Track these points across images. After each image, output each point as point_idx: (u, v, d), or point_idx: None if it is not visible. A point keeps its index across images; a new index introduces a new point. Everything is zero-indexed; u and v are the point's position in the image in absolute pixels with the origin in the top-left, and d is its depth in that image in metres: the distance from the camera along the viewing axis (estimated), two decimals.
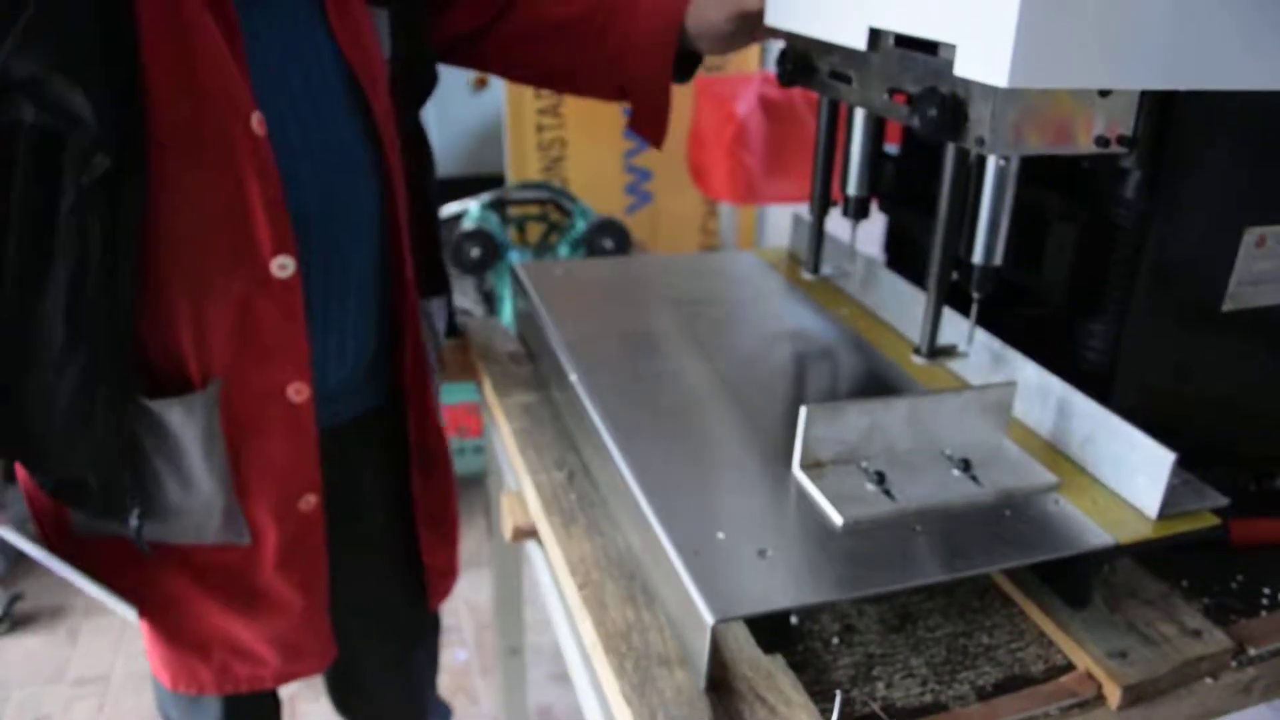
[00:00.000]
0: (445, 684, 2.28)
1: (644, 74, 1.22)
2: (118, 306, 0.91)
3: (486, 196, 3.02)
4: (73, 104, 0.82)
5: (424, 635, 1.52)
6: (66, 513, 1.08)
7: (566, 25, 1.22)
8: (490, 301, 2.95)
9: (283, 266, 0.96)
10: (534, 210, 3.08)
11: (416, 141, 1.19)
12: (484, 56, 1.28)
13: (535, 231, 3.13)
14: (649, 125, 1.27)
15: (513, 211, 3.08)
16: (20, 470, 1.07)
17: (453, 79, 3.87)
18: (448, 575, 1.40)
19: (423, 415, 1.23)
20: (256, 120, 0.92)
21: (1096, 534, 0.79)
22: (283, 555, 1.10)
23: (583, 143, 3.22)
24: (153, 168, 0.88)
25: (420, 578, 1.35)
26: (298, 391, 1.03)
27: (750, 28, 1.17)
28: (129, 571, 1.09)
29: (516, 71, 1.31)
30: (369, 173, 1.05)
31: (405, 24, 1.11)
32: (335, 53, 1.01)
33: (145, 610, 1.13)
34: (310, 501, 1.09)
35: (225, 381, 0.99)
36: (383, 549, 1.32)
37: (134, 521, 1.02)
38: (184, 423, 0.98)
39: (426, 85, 1.21)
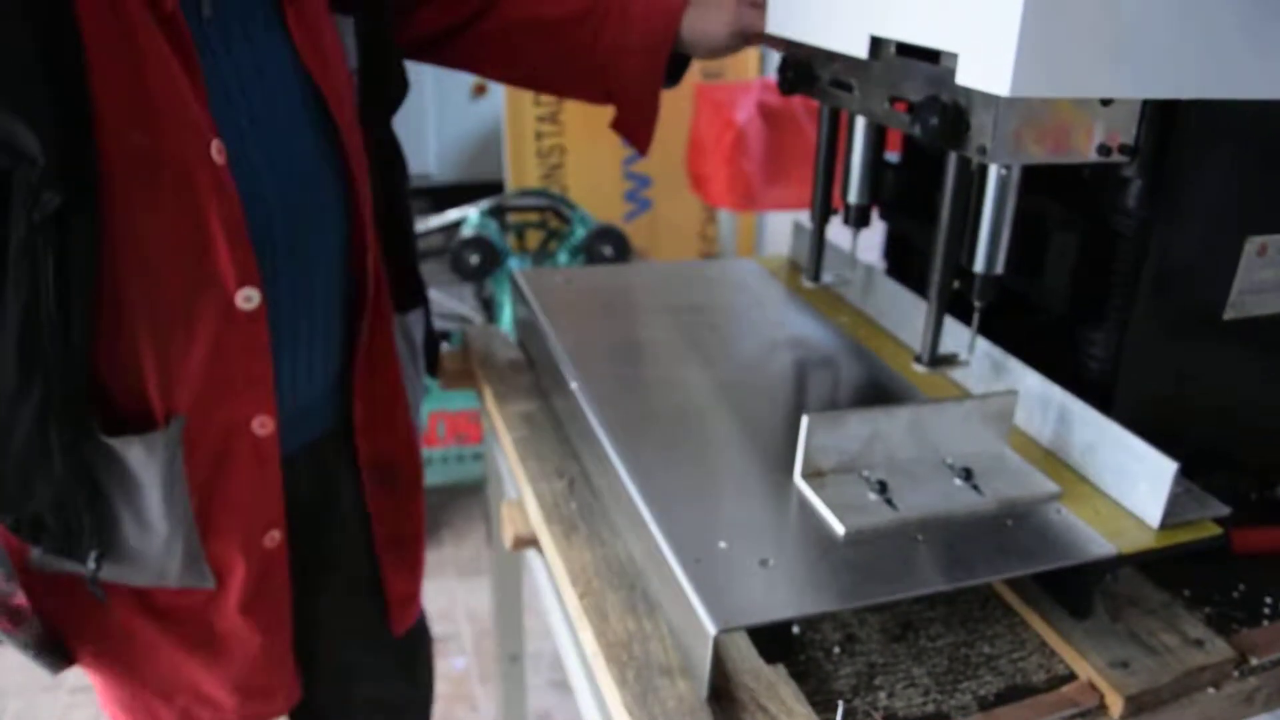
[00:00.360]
0: (444, 691, 2.28)
1: (634, 78, 1.21)
2: (72, 344, 0.86)
3: (486, 203, 3.02)
4: (15, 138, 0.78)
5: (400, 669, 1.41)
6: (26, 548, 1.02)
7: (557, 24, 1.20)
8: (489, 308, 2.95)
9: (248, 299, 0.92)
10: (533, 217, 3.09)
11: (389, 152, 1.16)
12: (458, 54, 1.25)
13: (534, 238, 3.14)
14: (637, 130, 1.26)
15: (512, 218, 3.08)
16: None
17: (452, 86, 3.88)
18: (408, 603, 1.32)
19: (387, 433, 1.17)
20: (216, 148, 0.87)
21: (1098, 543, 0.79)
22: (247, 596, 1.05)
23: (582, 150, 3.23)
24: (106, 201, 0.83)
25: (384, 607, 1.28)
26: (262, 425, 0.99)
27: (746, 39, 1.17)
28: (88, 611, 1.04)
29: (494, 69, 1.28)
30: (333, 192, 1.01)
31: (372, 30, 1.06)
32: (298, 68, 0.96)
33: (103, 652, 1.08)
34: (275, 538, 1.05)
35: (188, 417, 0.94)
36: (346, 577, 1.25)
37: (91, 564, 0.97)
38: (145, 461, 0.94)
39: (397, 93, 1.16)
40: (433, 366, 1.33)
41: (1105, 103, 0.82)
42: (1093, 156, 0.84)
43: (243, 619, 1.06)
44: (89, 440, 0.92)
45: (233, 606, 1.05)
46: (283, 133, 0.95)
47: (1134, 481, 0.83)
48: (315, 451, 1.13)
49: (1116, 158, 0.84)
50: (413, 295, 1.23)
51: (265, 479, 1.02)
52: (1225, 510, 0.83)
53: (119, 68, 0.81)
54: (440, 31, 1.23)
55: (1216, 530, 0.81)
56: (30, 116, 0.77)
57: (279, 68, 0.95)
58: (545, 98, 3.06)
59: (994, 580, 0.81)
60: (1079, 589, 0.80)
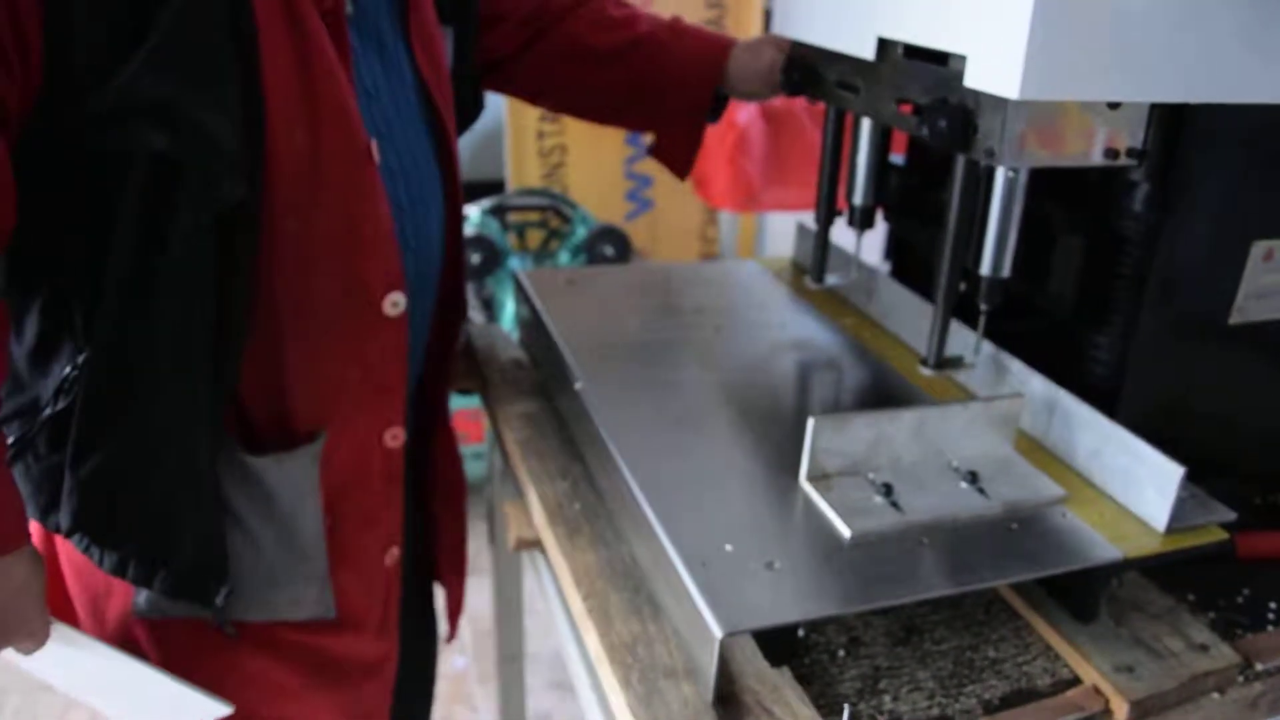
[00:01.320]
0: (444, 691, 2.27)
1: (680, 112, 1.21)
2: (227, 355, 0.82)
3: (487, 202, 3.02)
4: (207, 128, 0.74)
5: (432, 683, 1.43)
6: (116, 593, 0.94)
7: (606, 55, 1.20)
8: (489, 307, 2.95)
9: (395, 304, 0.90)
10: (534, 217, 3.08)
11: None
12: (516, 80, 1.26)
13: (535, 238, 3.13)
14: (677, 160, 1.26)
15: (513, 218, 3.08)
16: (41, 544, 0.93)
17: None
18: (459, 612, 1.32)
19: (450, 442, 1.20)
20: (373, 148, 0.86)
21: (1104, 547, 0.79)
22: (369, 618, 1.01)
23: (583, 149, 3.22)
24: (267, 200, 0.80)
25: (432, 615, 1.28)
26: (394, 436, 0.96)
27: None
28: (202, 658, 0.95)
29: (547, 96, 1.29)
30: (439, 199, 1.01)
31: (465, 43, 1.07)
32: (415, 72, 0.97)
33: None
34: (394, 555, 1.02)
35: (329, 432, 0.90)
36: (407, 588, 1.19)
37: (219, 600, 0.89)
38: (290, 481, 0.89)
39: (472, 110, 1.17)
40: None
41: (1113, 106, 0.82)
42: (1100, 160, 0.84)
43: (363, 643, 1.02)
44: (231, 462, 0.88)
45: (358, 630, 1.01)
46: (408, 137, 0.95)
47: (1140, 486, 0.83)
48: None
49: (1123, 161, 0.85)
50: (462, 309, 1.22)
51: (391, 494, 0.99)
52: (1231, 515, 0.83)
53: (288, 60, 0.79)
54: (506, 56, 1.23)
55: (1222, 535, 0.81)
56: (223, 103, 0.75)
57: (401, 73, 0.95)
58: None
59: (999, 584, 0.81)
60: (1084, 593, 0.80)
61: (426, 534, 1.23)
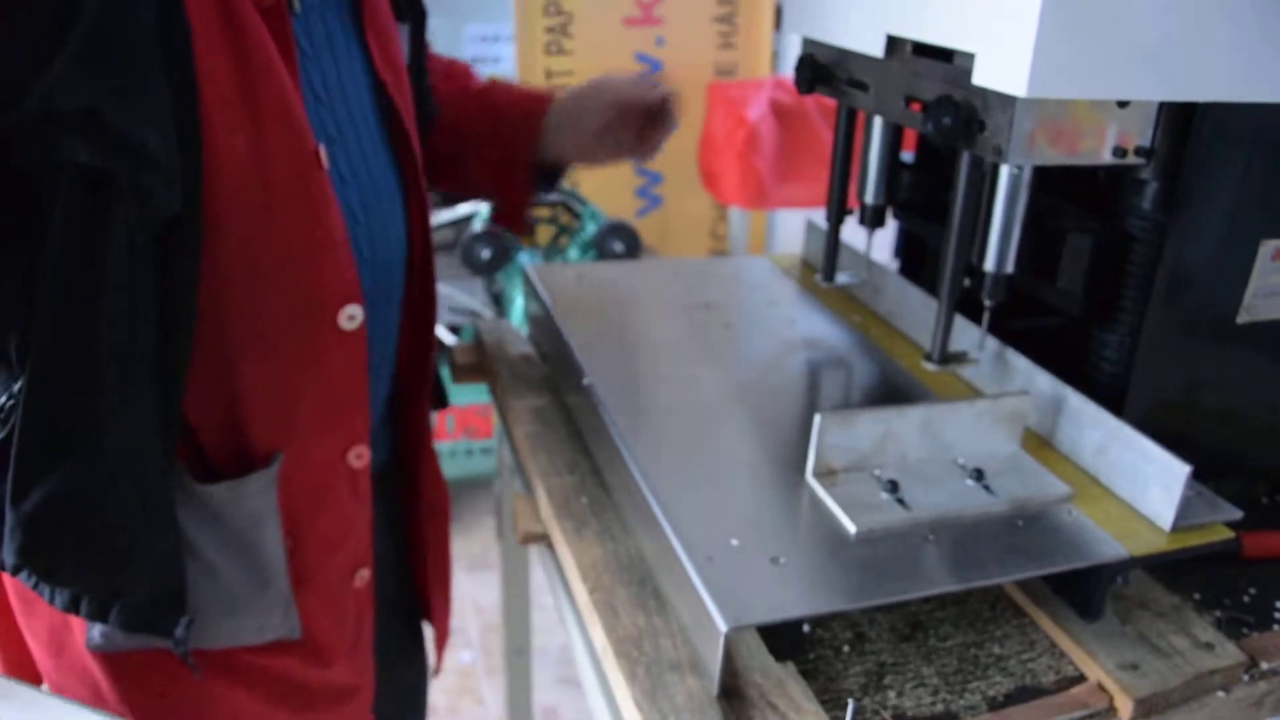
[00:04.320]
0: (450, 685, 2.28)
1: (501, 165, 1.17)
2: (173, 376, 0.77)
3: None
4: (135, 137, 0.69)
5: (423, 703, 1.38)
6: (74, 627, 0.89)
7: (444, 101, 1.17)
8: (499, 303, 2.95)
9: (351, 317, 0.86)
10: (544, 212, 3.09)
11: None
12: None
13: (545, 234, 3.14)
14: (510, 223, 1.23)
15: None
16: None
17: None
18: (447, 636, 1.28)
19: (429, 464, 1.15)
20: (320, 153, 0.81)
21: (1109, 545, 0.79)
22: (339, 641, 0.98)
23: None
24: (208, 212, 0.75)
25: (420, 643, 1.24)
26: (358, 456, 0.92)
27: (619, 140, 1.15)
28: (166, 688, 0.91)
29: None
30: (399, 206, 0.96)
31: (420, 40, 1.03)
32: (370, 73, 0.92)
33: None
34: (364, 577, 0.98)
35: (287, 453, 0.87)
36: (392, 615, 1.17)
37: (180, 631, 0.85)
38: (245, 506, 0.85)
39: (430, 111, 1.11)
40: (438, 400, 1.22)
41: (1122, 104, 0.82)
42: (1108, 158, 0.84)
43: (338, 664, 0.99)
44: (181, 489, 0.83)
45: (327, 654, 0.97)
46: (361, 141, 0.91)
47: (1146, 484, 0.83)
48: (376, 484, 1.04)
49: (1132, 160, 0.84)
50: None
51: (359, 515, 0.96)
52: (1237, 514, 0.83)
53: (225, 61, 0.74)
54: None
55: (1228, 534, 0.81)
56: (153, 109, 0.69)
57: (355, 74, 0.90)
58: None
59: (1004, 581, 0.81)
60: (1090, 591, 0.80)
61: (412, 557, 1.18)
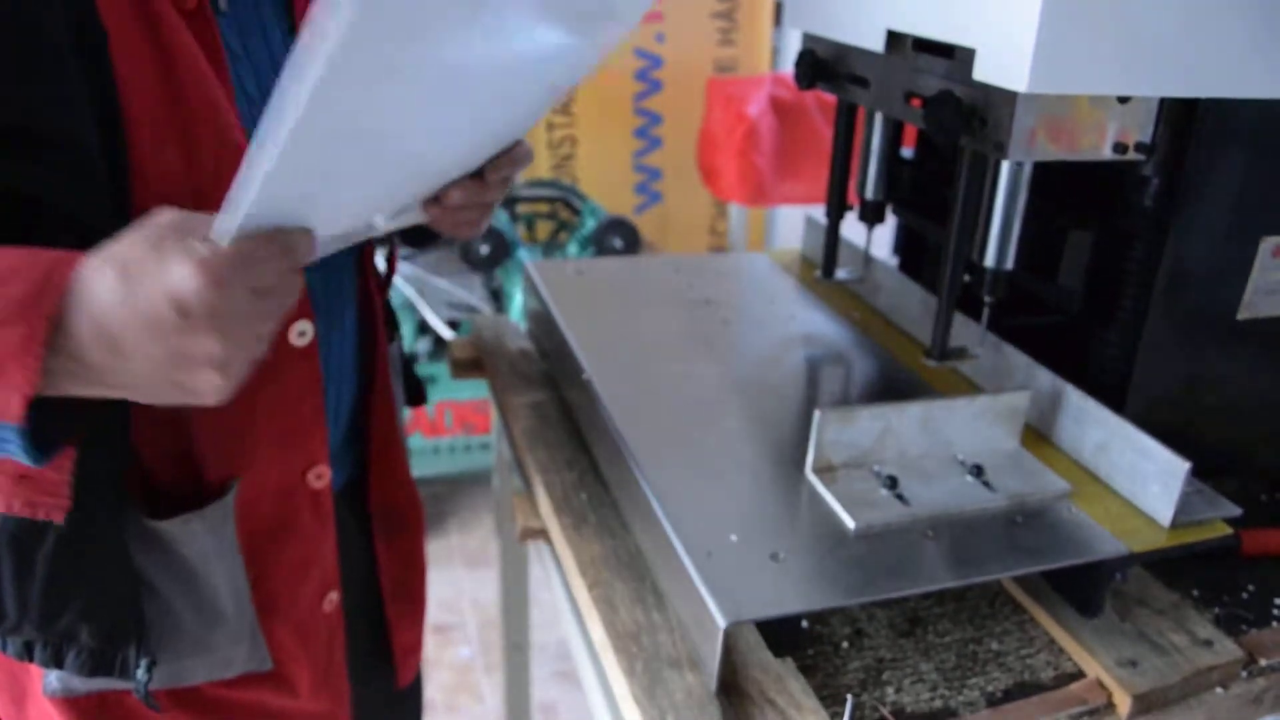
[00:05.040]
0: (449, 681, 2.28)
1: None
2: (116, 406, 0.68)
3: None
4: (65, 152, 0.65)
5: (416, 712, 1.33)
6: (31, 675, 0.85)
7: None
8: (498, 299, 2.95)
9: (301, 334, 0.82)
10: (543, 208, 3.09)
11: None
12: None
13: (544, 230, 3.14)
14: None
15: (522, 209, 3.08)
16: None
17: None
18: (414, 652, 1.22)
19: (393, 477, 1.09)
20: None
21: (1109, 542, 0.79)
22: (310, 668, 0.95)
23: (593, 141, 3.22)
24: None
25: (390, 659, 1.19)
26: (318, 476, 0.89)
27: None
28: None
29: None
30: None
31: None
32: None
33: None
34: (333, 600, 0.95)
35: (243, 480, 0.83)
36: (359, 632, 1.10)
37: (141, 674, 0.81)
38: (201, 541, 0.81)
39: None
40: (414, 398, 1.18)
41: (1122, 100, 0.82)
42: (1109, 154, 0.84)
43: (307, 697, 0.96)
44: (133, 526, 0.79)
45: (298, 684, 0.95)
46: None
47: (1145, 481, 0.83)
48: (340, 502, 1.00)
49: (1132, 156, 0.84)
50: (392, 326, 1.10)
51: (324, 537, 0.93)
52: (1236, 511, 0.83)
53: (147, 66, 0.69)
54: None
55: (1227, 531, 0.82)
56: (79, 121, 0.65)
57: (267, 75, 0.84)
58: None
59: (1003, 577, 0.81)
60: (1088, 587, 0.81)
61: (388, 570, 1.14)
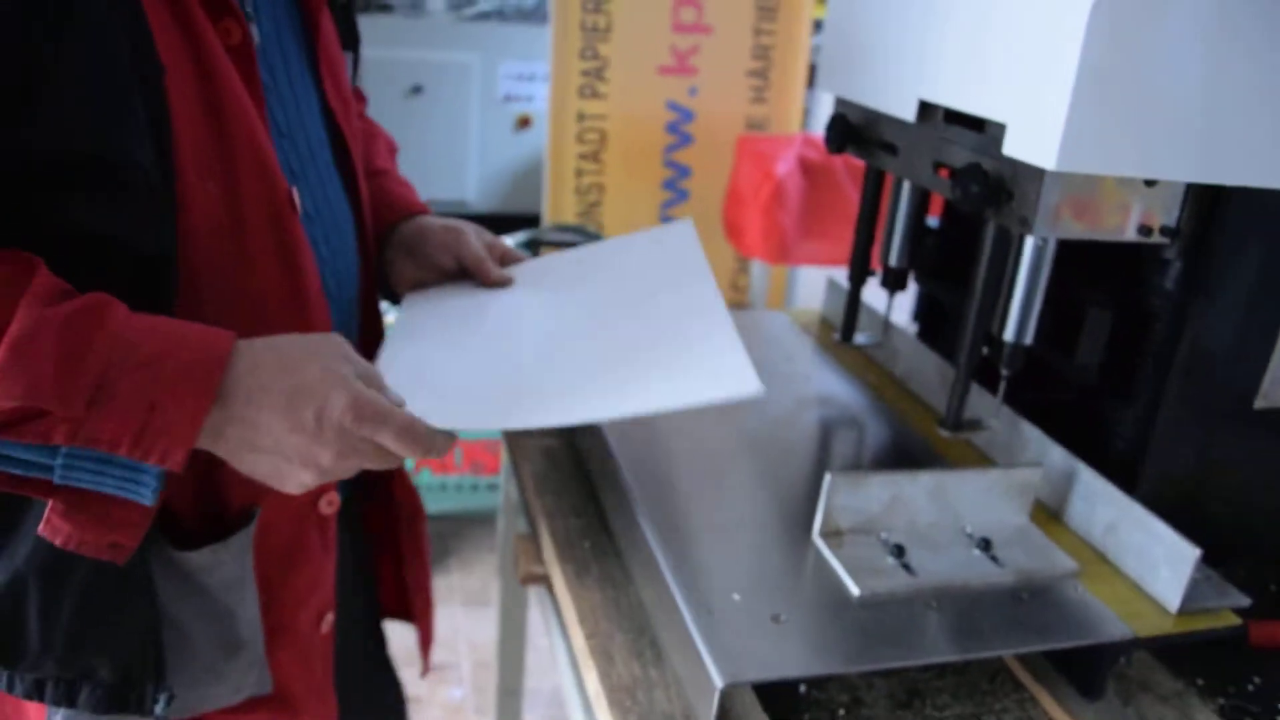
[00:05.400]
0: None
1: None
2: None
3: (521, 235, 3.05)
4: (139, 182, 0.68)
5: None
6: (26, 715, 0.85)
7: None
8: None
9: None
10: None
11: None
12: None
13: None
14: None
15: (545, 252, 3.11)
16: None
17: (497, 117, 3.93)
18: (430, 640, 1.22)
19: (400, 473, 1.11)
20: (294, 195, 0.79)
21: (1114, 624, 0.79)
22: (309, 689, 0.95)
23: (620, 190, 3.25)
24: (182, 261, 0.73)
25: (390, 669, 1.20)
26: (329, 503, 0.90)
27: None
28: None
29: None
30: (354, 242, 0.94)
31: (357, 69, 0.99)
32: (323, 106, 0.89)
33: None
34: (329, 622, 0.96)
35: (263, 508, 0.84)
36: (359, 648, 1.15)
37: (159, 709, 0.81)
38: (225, 569, 0.82)
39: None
40: None
41: (1149, 183, 0.83)
42: (1133, 236, 0.85)
43: (305, 716, 0.96)
44: (157, 558, 0.79)
45: (298, 706, 0.95)
46: (321, 176, 0.89)
47: (1154, 564, 0.83)
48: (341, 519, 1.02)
49: (1156, 239, 0.85)
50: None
51: (326, 561, 0.93)
52: (1246, 601, 0.82)
53: (195, 102, 0.71)
54: None
55: (1235, 620, 0.81)
56: (147, 153, 0.68)
57: (310, 105, 0.88)
58: (588, 135, 3.10)
59: (1006, 654, 0.81)
60: (1092, 669, 0.80)
61: (395, 579, 1.15)
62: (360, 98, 1.13)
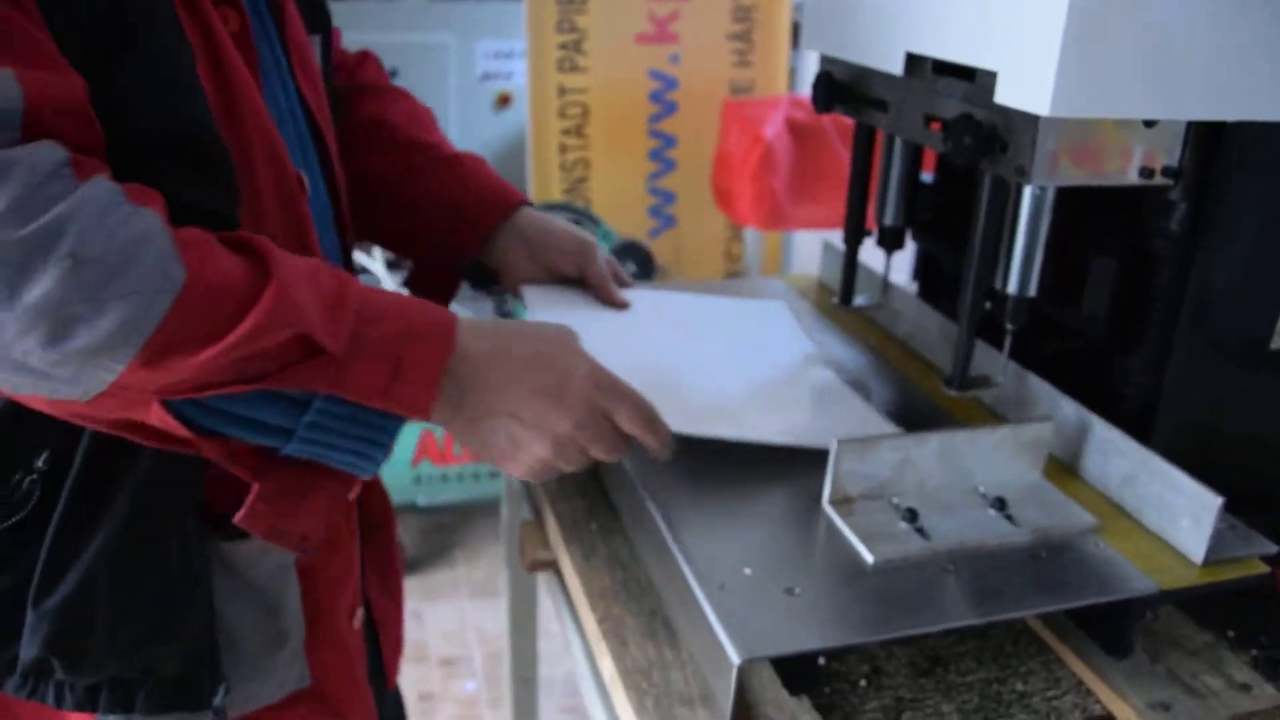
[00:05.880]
0: (453, 715, 2.27)
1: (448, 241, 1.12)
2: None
3: None
4: (224, 165, 0.71)
5: None
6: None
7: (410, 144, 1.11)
8: None
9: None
10: None
11: None
12: None
13: None
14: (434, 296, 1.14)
15: None
16: None
17: (476, 96, 3.90)
18: (400, 651, 1.20)
19: (363, 504, 1.07)
20: (304, 180, 0.81)
21: (1138, 579, 0.78)
22: (351, 690, 0.96)
23: (606, 164, 3.23)
24: None
25: (382, 672, 1.18)
26: (353, 489, 0.89)
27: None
28: None
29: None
30: (335, 231, 0.95)
31: (328, 54, 0.99)
32: (298, 92, 0.89)
33: None
34: (360, 618, 0.97)
35: None
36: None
37: (218, 701, 0.81)
38: (271, 560, 0.83)
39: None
40: None
41: (1148, 124, 0.81)
42: (1134, 179, 0.83)
43: (350, 716, 0.97)
44: (207, 550, 0.80)
45: (338, 705, 0.95)
46: (309, 162, 0.89)
47: (1176, 515, 0.82)
48: None
49: (1159, 180, 0.84)
50: None
51: (353, 551, 0.94)
52: (1273, 548, 0.81)
53: (211, 86, 0.73)
54: None
55: (1263, 569, 0.80)
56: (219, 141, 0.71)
57: (290, 92, 0.88)
58: (570, 110, 3.08)
59: (1027, 615, 0.80)
60: (1117, 626, 0.79)
61: (370, 575, 1.13)
62: (375, 65, 1.15)
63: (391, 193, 1.09)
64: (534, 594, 1.59)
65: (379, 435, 0.74)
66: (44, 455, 0.76)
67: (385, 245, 1.17)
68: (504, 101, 3.89)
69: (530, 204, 1.12)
